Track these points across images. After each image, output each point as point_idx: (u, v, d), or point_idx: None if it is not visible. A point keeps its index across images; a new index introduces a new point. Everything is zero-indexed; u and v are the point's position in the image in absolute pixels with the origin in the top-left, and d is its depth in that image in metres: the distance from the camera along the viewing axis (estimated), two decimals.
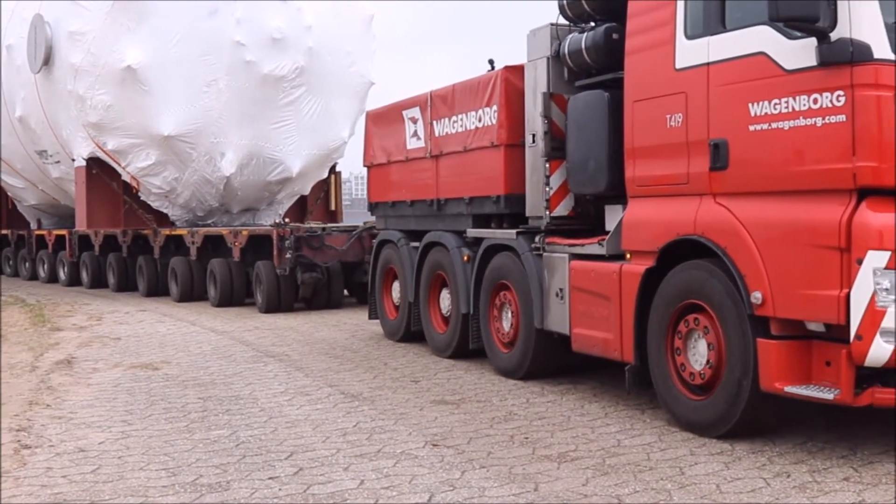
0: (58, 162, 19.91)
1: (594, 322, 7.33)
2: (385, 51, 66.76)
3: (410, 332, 10.82)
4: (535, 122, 8.29)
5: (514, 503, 4.95)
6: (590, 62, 7.69)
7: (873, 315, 5.15)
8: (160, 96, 16.68)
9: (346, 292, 16.08)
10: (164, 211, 18.53)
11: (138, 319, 14.08)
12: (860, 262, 5.18)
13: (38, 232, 23.31)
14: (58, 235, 21.88)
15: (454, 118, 9.67)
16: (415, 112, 10.56)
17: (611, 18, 7.51)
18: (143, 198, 18.40)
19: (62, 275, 21.97)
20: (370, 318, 11.91)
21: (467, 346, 9.46)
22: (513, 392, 7.86)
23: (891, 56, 5.24)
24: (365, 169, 12.32)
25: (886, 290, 5.14)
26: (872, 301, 5.15)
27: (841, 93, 5.31)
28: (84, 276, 20.91)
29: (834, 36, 5.34)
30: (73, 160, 18.70)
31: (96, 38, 16.89)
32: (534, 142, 8.31)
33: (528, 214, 8.49)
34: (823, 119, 5.40)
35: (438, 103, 10.02)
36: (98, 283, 20.36)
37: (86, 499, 5.14)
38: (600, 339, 7.25)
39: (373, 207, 11.94)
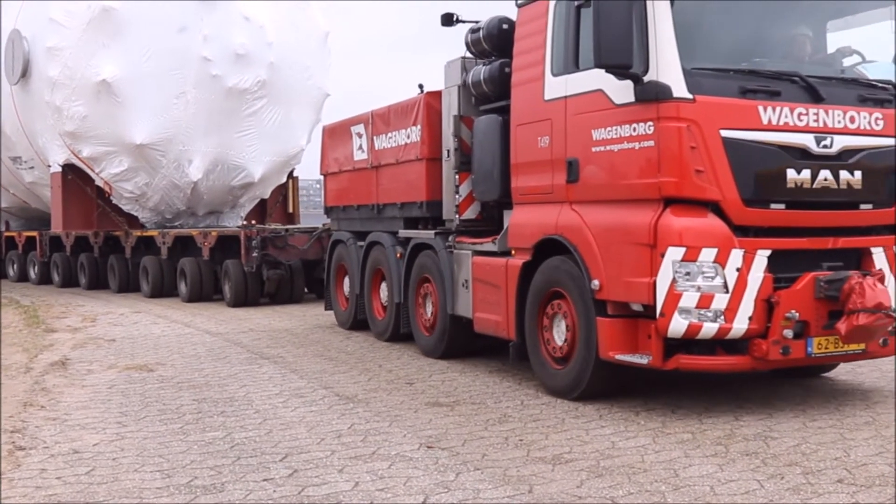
0: (31, 167, 20.63)
1: (489, 307, 8.67)
2: (345, 59, 66.54)
3: (357, 321, 12.08)
4: (448, 140, 9.62)
5: None
6: (487, 91, 9.00)
7: (673, 297, 6.54)
8: (133, 107, 17.56)
9: (305, 289, 17.17)
10: (135, 214, 19.40)
11: (133, 321, 13.96)
12: (663, 255, 6.57)
13: (7, 233, 23.94)
14: (28, 237, 22.58)
15: (389, 134, 10.98)
16: (360, 128, 11.85)
17: (505, 55, 8.71)
18: (115, 201, 19.27)
19: (32, 274, 22.68)
20: (325, 309, 13.15)
21: (400, 330, 10.81)
22: (507, 394, 7.86)
23: (687, 95, 6.62)
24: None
25: (683, 276, 6.55)
26: (672, 286, 6.55)
27: (651, 123, 6.69)
28: (55, 275, 21.49)
29: (646, 79, 6.72)
30: (49, 166, 19.47)
31: (73, 53, 17.68)
32: (448, 156, 9.66)
33: (444, 217, 9.83)
34: (640, 144, 6.78)
35: (378, 121, 11.30)
36: (69, 282, 21.03)
37: (80, 500, 5.12)
38: (493, 321, 8.61)
39: (328, 211, 13.26)
